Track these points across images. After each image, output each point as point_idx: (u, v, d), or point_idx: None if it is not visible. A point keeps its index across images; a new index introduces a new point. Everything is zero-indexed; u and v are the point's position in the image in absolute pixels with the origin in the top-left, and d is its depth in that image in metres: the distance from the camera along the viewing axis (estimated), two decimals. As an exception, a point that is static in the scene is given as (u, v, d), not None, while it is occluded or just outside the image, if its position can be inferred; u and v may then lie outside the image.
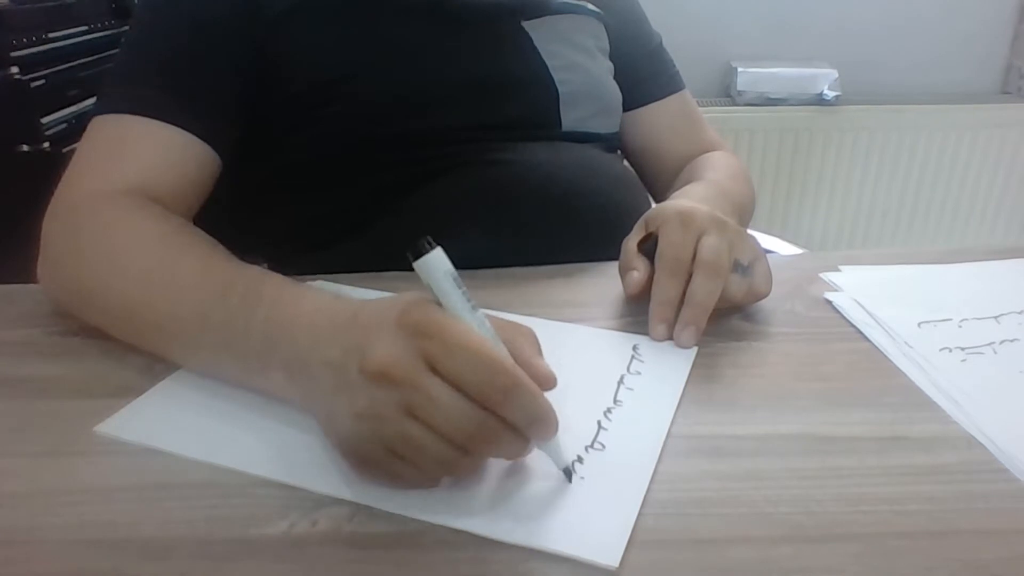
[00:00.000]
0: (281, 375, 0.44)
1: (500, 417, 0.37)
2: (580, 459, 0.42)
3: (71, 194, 0.60)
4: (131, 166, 0.61)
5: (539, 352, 0.41)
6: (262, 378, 0.46)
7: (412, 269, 0.38)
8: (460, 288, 0.38)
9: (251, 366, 0.46)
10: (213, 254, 0.53)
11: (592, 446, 0.43)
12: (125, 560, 0.36)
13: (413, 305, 0.38)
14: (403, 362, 0.37)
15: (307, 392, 0.43)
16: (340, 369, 0.39)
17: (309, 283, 0.47)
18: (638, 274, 0.57)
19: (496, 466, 0.41)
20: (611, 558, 0.35)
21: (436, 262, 0.38)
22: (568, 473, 0.41)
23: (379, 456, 0.38)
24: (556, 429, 0.39)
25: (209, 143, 0.65)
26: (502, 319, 0.41)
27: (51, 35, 1.38)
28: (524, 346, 0.40)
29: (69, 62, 1.39)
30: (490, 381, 0.36)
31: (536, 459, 0.42)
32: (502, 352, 0.38)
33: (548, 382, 0.39)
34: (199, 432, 0.44)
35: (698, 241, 0.55)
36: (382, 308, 0.40)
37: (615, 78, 0.84)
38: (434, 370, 0.36)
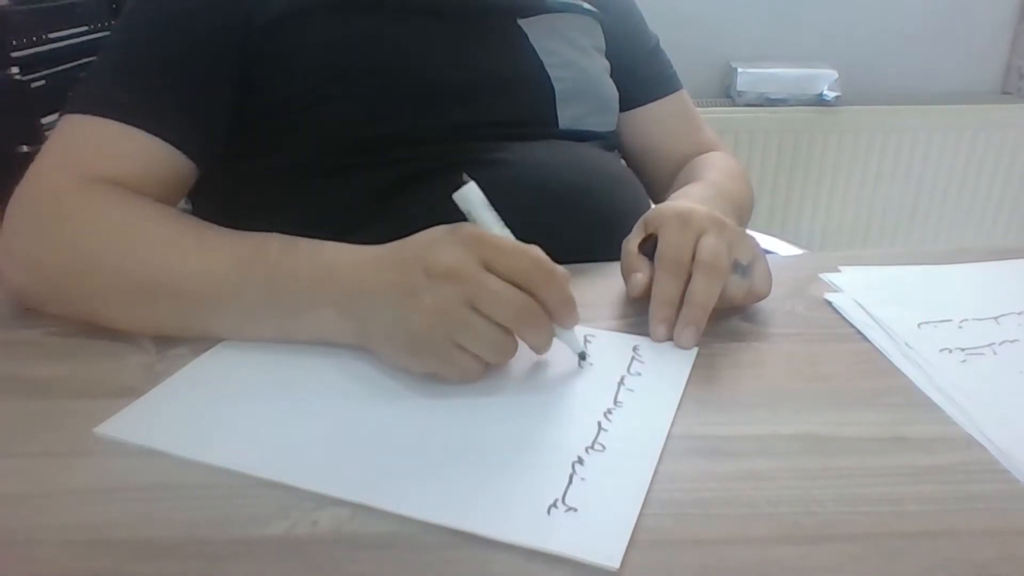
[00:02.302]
0: (331, 312, 0.50)
1: (538, 301, 0.46)
2: (581, 460, 0.42)
3: (44, 183, 0.59)
4: (102, 165, 0.60)
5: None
6: (310, 321, 0.51)
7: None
8: (492, 211, 0.49)
9: (299, 311, 0.51)
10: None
11: (592, 447, 0.43)
12: (125, 560, 0.36)
13: (459, 225, 0.48)
14: (466, 263, 0.45)
15: (362, 317, 0.49)
16: (402, 282, 0.47)
17: None
18: (643, 276, 0.57)
19: (497, 464, 0.41)
20: (612, 559, 0.35)
21: (472, 192, 0.49)
22: (583, 355, 0.51)
23: (443, 347, 0.46)
24: (577, 317, 0.49)
25: (181, 150, 0.64)
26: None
27: (51, 36, 1.38)
28: (543, 253, 0.49)
29: (69, 63, 1.39)
30: (536, 269, 0.46)
31: (536, 458, 0.42)
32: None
33: (567, 278, 0.49)
34: (199, 434, 0.44)
35: (697, 241, 0.55)
36: (426, 234, 0.49)
37: (612, 78, 0.84)
38: (488, 269, 0.45)
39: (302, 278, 0.51)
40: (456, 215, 0.50)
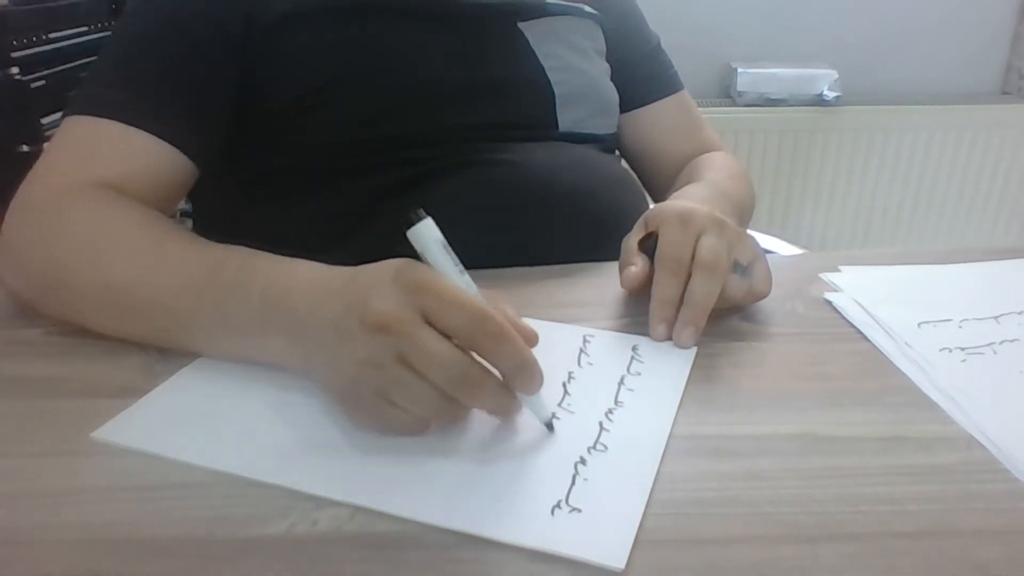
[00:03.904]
0: (281, 339, 0.47)
1: (485, 366, 0.41)
2: (583, 460, 0.42)
3: (43, 186, 0.59)
4: (102, 167, 0.60)
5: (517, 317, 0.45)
6: (260, 345, 0.48)
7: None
8: (449, 254, 0.43)
9: (249, 334, 0.49)
10: (199, 237, 0.55)
11: (595, 447, 0.43)
12: (125, 560, 0.36)
13: (407, 266, 0.42)
14: (400, 316, 0.40)
15: (308, 351, 0.46)
16: (342, 324, 0.43)
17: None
18: (636, 268, 0.57)
19: (500, 466, 0.41)
20: (618, 559, 0.35)
21: (427, 231, 0.42)
22: (550, 425, 0.44)
23: (374, 402, 0.42)
24: (541, 382, 0.42)
25: (182, 150, 0.64)
26: (483, 290, 0.44)
27: (51, 36, 1.38)
28: (507, 309, 0.44)
29: (69, 63, 1.39)
30: (481, 328, 0.40)
31: (538, 458, 0.42)
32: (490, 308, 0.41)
33: (532, 338, 0.44)
34: (197, 437, 0.44)
35: (697, 241, 0.55)
36: (377, 270, 0.44)
37: (613, 79, 0.84)
38: (428, 323, 0.40)
39: (253, 302, 0.48)
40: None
